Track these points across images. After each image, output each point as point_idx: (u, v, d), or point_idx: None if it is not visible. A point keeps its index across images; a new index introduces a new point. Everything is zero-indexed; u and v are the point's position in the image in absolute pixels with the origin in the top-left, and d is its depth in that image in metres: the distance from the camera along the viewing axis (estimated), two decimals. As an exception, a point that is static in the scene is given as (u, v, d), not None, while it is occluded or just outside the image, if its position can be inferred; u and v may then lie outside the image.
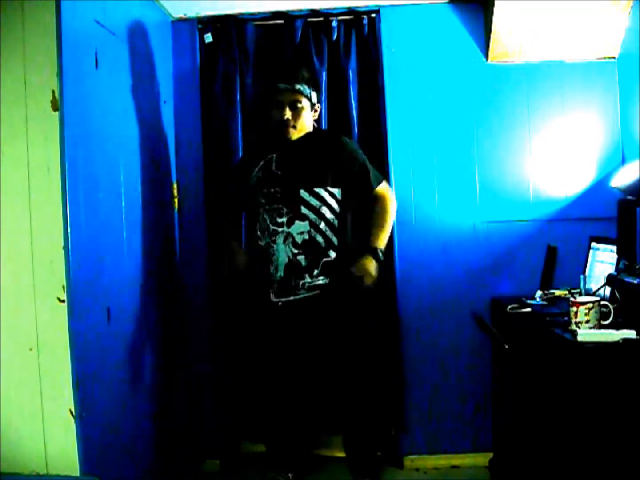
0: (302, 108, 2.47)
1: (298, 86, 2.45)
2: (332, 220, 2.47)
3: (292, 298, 2.45)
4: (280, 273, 2.45)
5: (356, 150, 2.57)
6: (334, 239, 2.48)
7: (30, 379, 1.73)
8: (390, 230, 2.54)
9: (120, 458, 2.04)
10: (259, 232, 2.50)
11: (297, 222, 2.45)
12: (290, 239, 2.45)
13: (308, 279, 2.44)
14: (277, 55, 2.91)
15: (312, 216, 2.45)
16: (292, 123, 2.46)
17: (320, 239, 2.46)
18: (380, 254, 2.45)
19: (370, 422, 2.68)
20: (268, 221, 2.47)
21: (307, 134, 2.54)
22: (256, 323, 2.64)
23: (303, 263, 2.44)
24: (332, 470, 2.84)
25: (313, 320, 2.50)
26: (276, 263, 2.46)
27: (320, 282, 2.45)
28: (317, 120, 2.64)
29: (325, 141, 2.56)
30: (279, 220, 2.45)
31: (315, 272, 2.45)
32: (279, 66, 2.79)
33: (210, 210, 2.93)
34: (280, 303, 2.46)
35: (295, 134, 2.49)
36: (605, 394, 1.86)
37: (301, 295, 2.45)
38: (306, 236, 2.44)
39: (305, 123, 2.51)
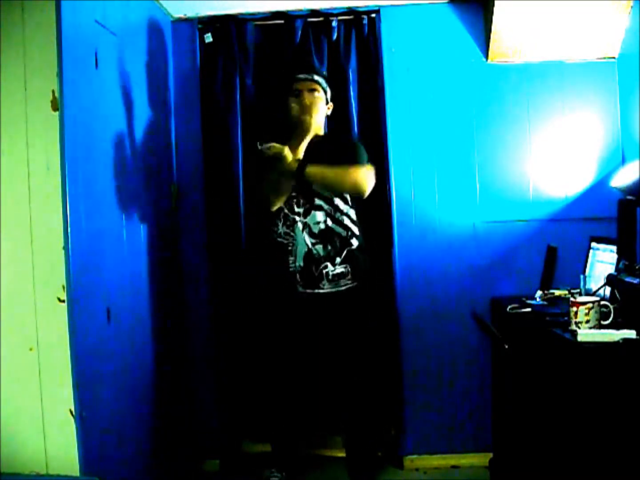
0: (319, 98, 2.54)
1: (317, 77, 2.55)
2: (346, 211, 2.52)
3: (317, 291, 2.50)
4: (300, 262, 2.50)
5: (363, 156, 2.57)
6: (355, 228, 2.55)
7: (30, 379, 1.73)
8: (336, 181, 2.44)
9: (120, 458, 2.04)
10: (276, 220, 2.54)
11: (313, 212, 2.51)
12: (308, 229, 2.51)
13: (330, 267, 2.49)
14: (277, 55, 2.91)
15: (326, 206, 2.51)
16: (309, 110, 2.49)
17: (339, 229, 2.52)
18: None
19: (370, 422, 2.68)
20: (286, 209, 2.53)
21: (324, 135, 2.61)
22: (278, 314, 2.62)
23: (321, 252, 2.49)
24: (329, 470, 2.84)
25: (331, 317, 2.53)
26: (295, 252, 2.51)
27: (343, 269, 2.50)
28: (327, 118, 2.67)
29: (341, 142, 2.60)
30: (297, 209, 2.52)
31: (338, 260, 2.50)
32: (297, 60, 2.83)
33: (210, 211, 2.93)
34: (305, 295, 2.51)
35: (312, 123, 2.48)
36: (605, 394, 1.86)
37: (325, 290, 2.50)
38: (322, 226, 2.51)
39: (320, 114, 2.55)
